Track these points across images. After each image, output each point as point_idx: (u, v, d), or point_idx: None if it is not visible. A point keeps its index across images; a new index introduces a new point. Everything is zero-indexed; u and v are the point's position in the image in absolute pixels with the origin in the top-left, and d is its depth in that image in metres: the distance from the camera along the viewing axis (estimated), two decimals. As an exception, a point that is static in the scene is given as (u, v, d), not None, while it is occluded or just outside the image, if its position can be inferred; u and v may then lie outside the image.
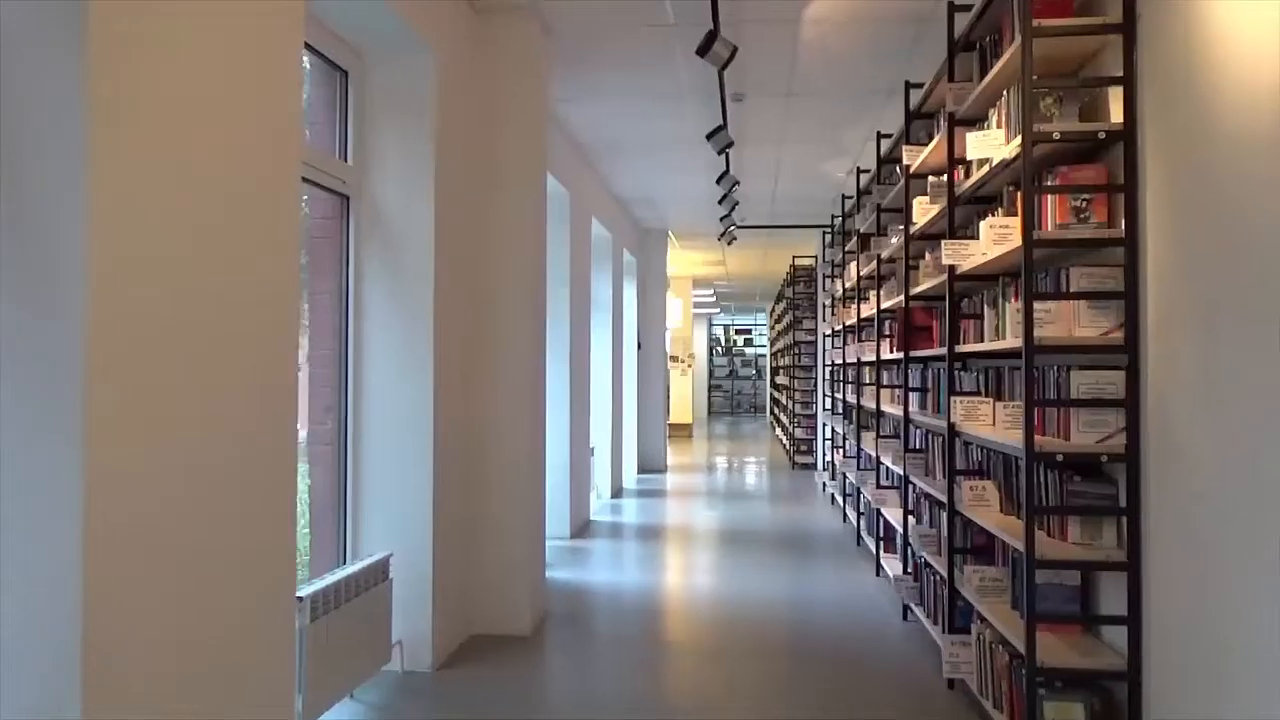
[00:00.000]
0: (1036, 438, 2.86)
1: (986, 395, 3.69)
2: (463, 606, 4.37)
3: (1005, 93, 3.20)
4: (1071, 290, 2.81)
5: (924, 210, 4.44)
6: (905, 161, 4.71)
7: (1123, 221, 2.76)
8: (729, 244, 9.72)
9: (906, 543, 4.89)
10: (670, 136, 6.91)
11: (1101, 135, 2.76)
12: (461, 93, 4.31)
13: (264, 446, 2.53)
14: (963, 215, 3.91)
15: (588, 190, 7.79)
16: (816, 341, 11.74)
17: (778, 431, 16.99)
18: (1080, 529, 2.86)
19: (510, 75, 4.57)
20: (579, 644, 4.49)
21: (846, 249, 7.70)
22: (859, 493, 6.79)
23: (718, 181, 6.89)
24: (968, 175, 3.84)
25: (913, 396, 4.95)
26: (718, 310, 25.07)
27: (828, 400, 9.76)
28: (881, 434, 5.79)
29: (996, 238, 3.15)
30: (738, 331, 27.13)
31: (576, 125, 6.65)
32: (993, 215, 3.38)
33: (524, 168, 4.60)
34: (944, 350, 4.17)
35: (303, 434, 4.02)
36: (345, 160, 3.89)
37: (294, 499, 2.72)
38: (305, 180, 3.63)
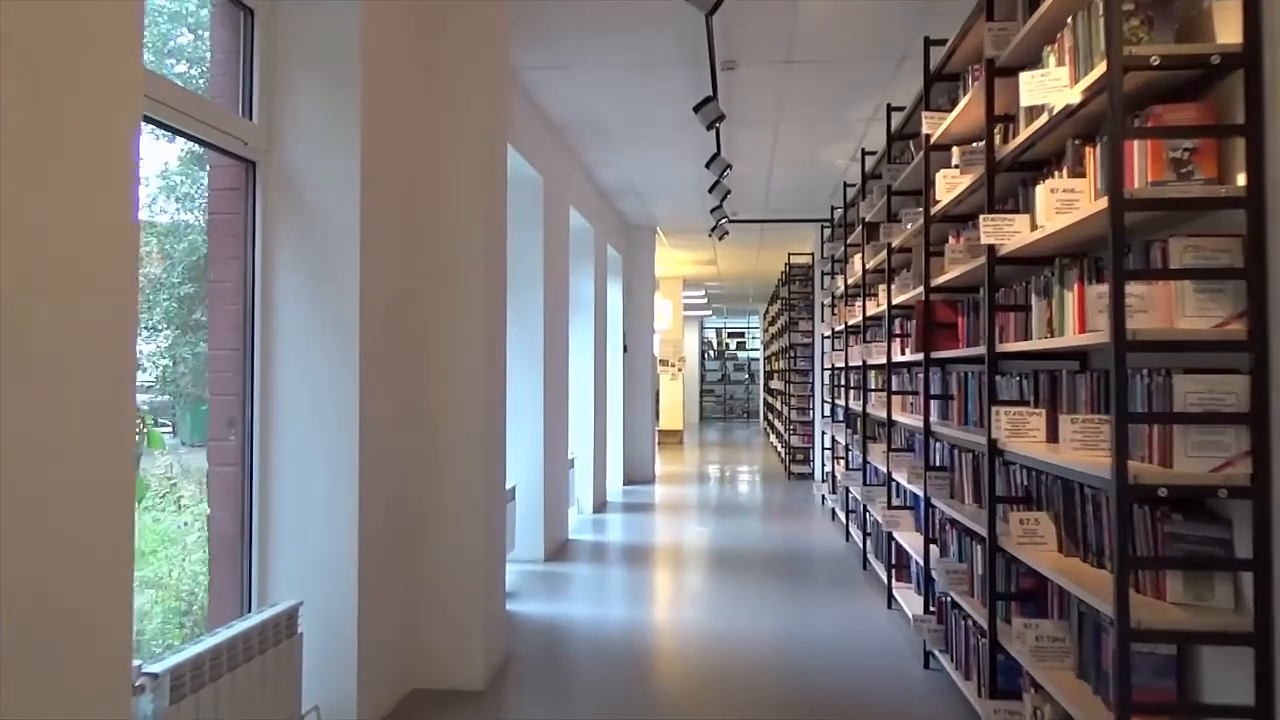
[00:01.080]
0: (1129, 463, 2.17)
1: (1036, 405, 3.00)
2: (398, 658, 3.65)
3: (1070, 20, 2.52)
4: (1171, 268, 2.13)
5: (949, 185, 3.75)
6: (925, 131, 4.03)
7: (1241, 175, 2.07)
8: (720, 239, 9.04)
9: (927, 576, 4.19)
10: (656, 117, 6.22)
11: (1215, 59, 2.08)
12: (397, 39, 3.61)
13: (84, 479, 1.83)
14: (1004, 185, 3.22)
15: (565, 177, 7.09)
16: (814, 344, 11.06)
17: (772, 438, 16.30)
18: (1183, 585, 2.17)
19: (461, 21, 3.87)
20: (541, 699, 3.78)
21: (849, 242, 7.03)
22: (865, 511, 6.10)
23: (708, 165, 6.20)
24: (1007, 138, 3.16)
25: (933, 405, 4.26)
26: (709, 313, 24.41)
27: (826, 407, 9.07)
28: (893, 447, 5.10)
29: (1060, 204, 2.47)
30: (730, 334, 26.47)
31: (550, 101, 5.96)
32: (1047, 180, 2.70)
33: (478, 135, 3.89)
34: (979, 350, 3.49)
35: (201, 454, 3.32)
36: (249, 118, 3.18)
37: (130, 546, 2.02)
38: (198, 141, 2.93)
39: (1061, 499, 2.78)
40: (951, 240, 3.87)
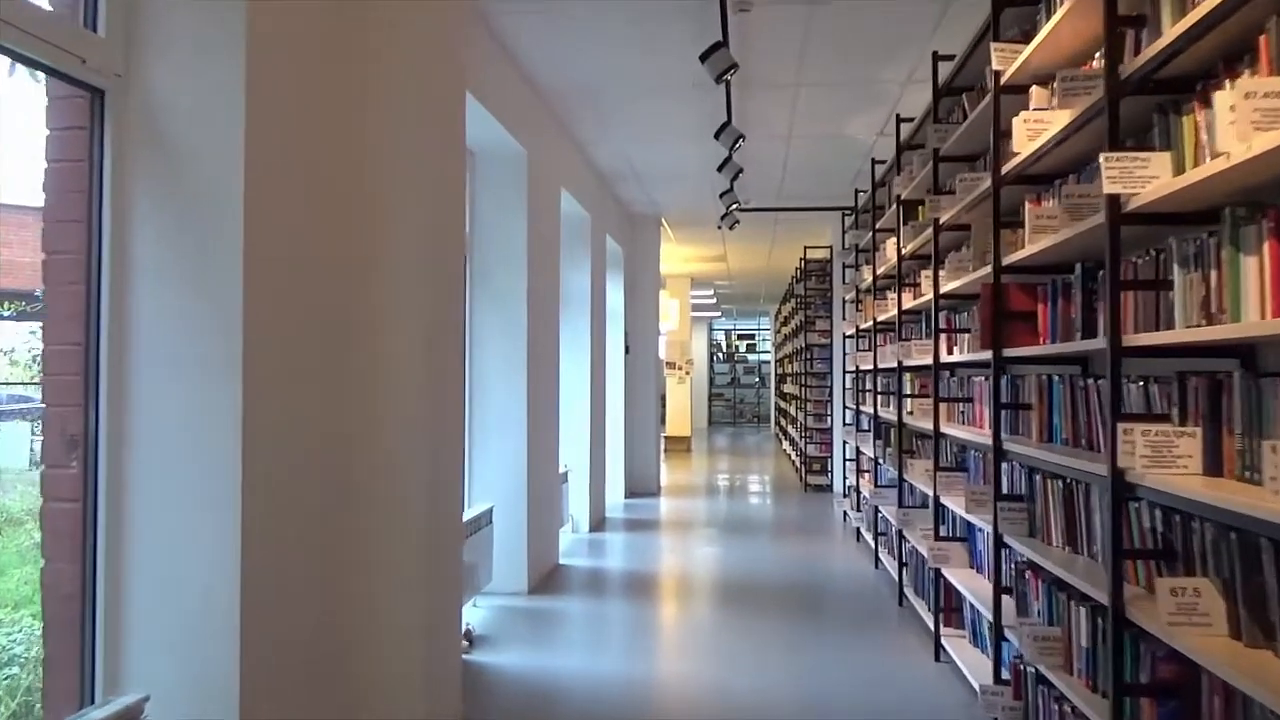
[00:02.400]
0: None
1: (1183, 421, 2.13)
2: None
3: None
4: None
5: (1031, 132, 2.89)
6: (996, 67, 3.17)
7: None
8: (731, 228, 8.19)
9: (997, 635, 3.31)
10: (655, 79, 5.37)
11: None
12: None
13: None
14: (1127, 117, 2.35)
15: (555, 153, 6.25)
16: (832, 345, 10.19)
17: (784, 445, 15.43)
18: None
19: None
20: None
21: (878, 226, 6.16)
22: (900, 536, 5.23)
23: (717, 135, 5.35)
24: (1138, 49, 2.29)
25: (986, 416, 3.39)
26: (718, 314, 23.55)
27: (849, 414, 8.20)
28: (941, 465, 4.24)
29: (1262, 116, 1.60)
30: (740, 336, 25.58)
31: (534, 62, 5.12)
32: (1236, 82, 1.83)
33: (423, 74, 3.04)
34: (1074, 345, 2.63)
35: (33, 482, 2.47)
36: (94, 29, 2.34)
37: None
38: (10, 54, 2.09)
39: (1238, 559, 1.91)
40: (1030, 205, 3.00)
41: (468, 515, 4.75)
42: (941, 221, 4.15)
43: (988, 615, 3.43)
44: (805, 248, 10.60)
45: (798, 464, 11.87)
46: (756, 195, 8.63)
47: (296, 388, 2.64)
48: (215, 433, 2.34)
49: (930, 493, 4.36)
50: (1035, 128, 2.89)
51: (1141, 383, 2.37)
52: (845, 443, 8.18)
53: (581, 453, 7.57)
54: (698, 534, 7.78)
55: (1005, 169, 3.17)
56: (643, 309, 10.15)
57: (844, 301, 8.30)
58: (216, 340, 2.36)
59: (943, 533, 4.24)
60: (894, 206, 5.40)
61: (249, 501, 2.36)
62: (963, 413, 4.24)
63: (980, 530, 3.90)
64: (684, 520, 8.43)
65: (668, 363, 16.44)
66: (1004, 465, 3.38)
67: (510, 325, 5.40)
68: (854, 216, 7.59)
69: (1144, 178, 2.11)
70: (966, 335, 4.14)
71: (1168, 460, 2.02)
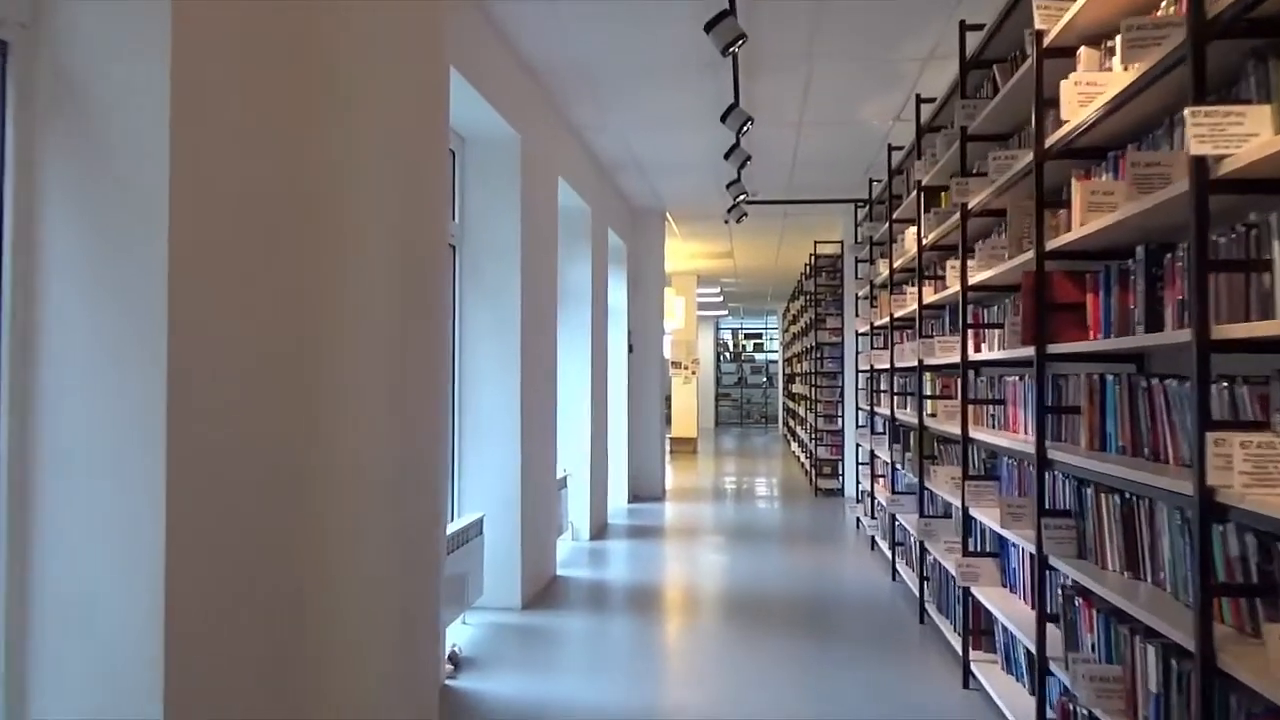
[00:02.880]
0: None
1: (1289, 430, 1.77)
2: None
3: None
4: None
5: (1086, 93, 2.52)
6: (1040, 26, 2.80)
7: None
8: (738, 221, 7.83)
9: (1040, 670, 2.94)
10: (659, 60, 5.02)
11: None
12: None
13: None
14: (1215, 66, 1.98)
15: (551, 140, 5.90)
16: (843, 343, 9.82)
17: (793, 446, 15.07)
18: None
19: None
20: None
21: (895, 217, 5.79)
22: (920, 547, 4.87)
23: (723, 119, 4.99)
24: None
25: (1022, 420, 3.03)
26: (724, 312, 23.19)
27: (862, 415, 7.84)
28: (970, 473, 3.87)
29: None
30: (747, 335, 25.21)
31: (527, 39, 4.76)
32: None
33: (398, 39, 2.69)
34: (1134, 341, 2.28)
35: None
36: (-9, -32, 2.00)
37: None
38: None
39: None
40: (1079, 181, 2.64)
41: (454, 526, 4.40)
42: (970, 207, 3.79)
43: (1026, 643, 3.06)
44: (815, 242, 10.23)
45: (807, 467, 11.50)
46: (765, 187, 8.28)
47: (233, 390, 2.29)
48: (135, 448, 2.00)
49: (957, 504, 4.00)
50: (1088, 91, 2.52)
51: (1226, 384, 2.01)
52: (858, 446, 7.82)
53: (581, 457, 7.22)
54: (704, 541, 7.42)
55: (1050, 141, 2.81)
56: (646, 307, 9.80)
57: (857, 298, 7.94)
58: (134, 346, 2.01)
59: (972, 547, 3.88)
60: (913, 194, 5.03)
61: (175, 519, 2.01)
62: (993, 416, 3.88)
63: (1014, 545, 3.54)
64: (690, 527, 8.07)
65: (673, 362, 16.09)
66: (1055, 481, 3.02)
67: (502, 323, 5.05)
68: (868, 208, 7.23)
69: (1239, 136, 1.75)
70: (997, 331, 3.78)
71: (1273, 477, 1.66)
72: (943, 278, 4.75)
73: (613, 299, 9.04)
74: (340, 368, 2.57)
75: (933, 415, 4.92)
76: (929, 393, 4.91)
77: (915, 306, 5.01)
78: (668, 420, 15.75)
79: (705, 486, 11.05)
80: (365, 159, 2.61)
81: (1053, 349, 2.83)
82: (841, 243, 9.88)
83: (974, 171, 3.89)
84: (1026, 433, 3.46)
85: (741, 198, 6.96)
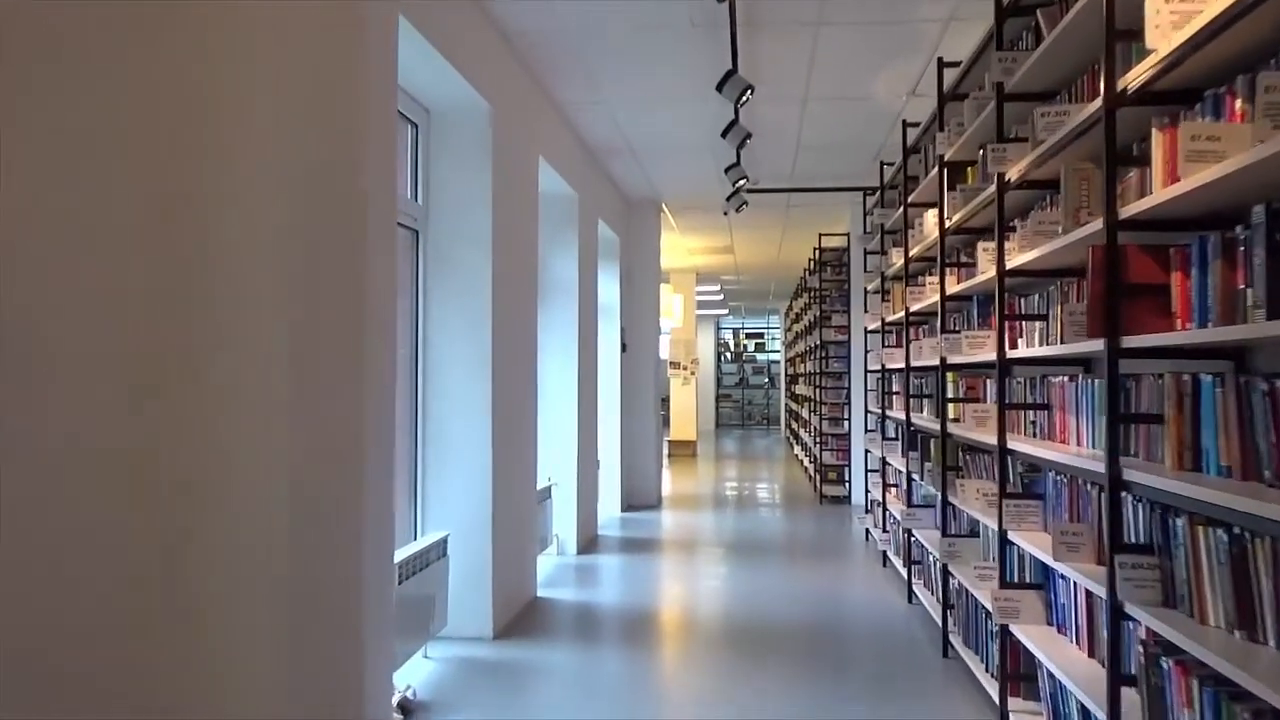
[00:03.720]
0: None
1: None
2: None
3: None
4: None
5: (1180, 13, 1.96)
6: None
7: None
8: (738, 210, 7.27)
9: (1113, 740, 2.37)
10: (649, 20, 4.46)
11: None
12: None
13: None
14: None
15: (531, 115, 5.34)
16: (850, 341, 9.26)
17: (796, 450, 14.50)
18: None
19: None
20: None
21: (911, 200, 5.23)
22: (945, 572, 4.31)
23: (720, 88, 4.43)
24: None
25: (1075, 428, 2.46)
26: (725, 311, 22.63)
27: (871, 419, 7.27)
28: (1010, 491, 3.31)
29: None
30: (748, 335, 24.64)
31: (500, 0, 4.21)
32: None
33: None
34: (1251, 331, 1.72)
35: None
36: None
37: None
38: None
39: None
40: (1162, 132, 2.08)
41: (410, 549, 3.84)
42: (1008, 178, 3.22)
43: (1089, 704, 2.49)
44: (820, 235, 9.67)
45: (811, 472, 10.94)
46: (767, 175, 7.72)
47: (75, 390, 1.73)
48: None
49: (989, 523, 3.43)
50: (1183, 9, 1.96)
51: None
52: (867, 452, 7.25)
53: (568, 464, 6.66)
54: (702, 556, 6.86)
55: (1127, 84, 2.24)
56: (641, 303, 9.24)
57: (865, 292, 7.38)
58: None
59: (1009, 575, 3.31)
60: (934, 171, 4.47)
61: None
62: (1034, 423, 3.32)
63: (1063, 577, 2.98)
64: (687, 539, 7.51)
65: (671, 362, 15.53)
66: (1132, 507, 2.45)
67: (472, 317, 4.49)
68: (879, 194, 6.66)
69: None
70: (1040, 323, 3.22)
71: None
72: (969, 264, 4.19)
73: (604, 295, 8.48)
74: (210, 368, 2.01)
75: (956, 420, 4.36)
76: (952, 395, 4.35)
77: (936, 298, 4.45)
78: (666, 422, 15.20)
79: (704, 493, 10.49)
80: (251, 95, 2.05)
81: (1129, 342, 2.27)
82: (848, 235, 9.32)
83: (1011, 137, 3.32)
84: (1079, 444, 2.90)
85: (741, 183, 6.39)
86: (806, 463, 12.04)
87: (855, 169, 7.44)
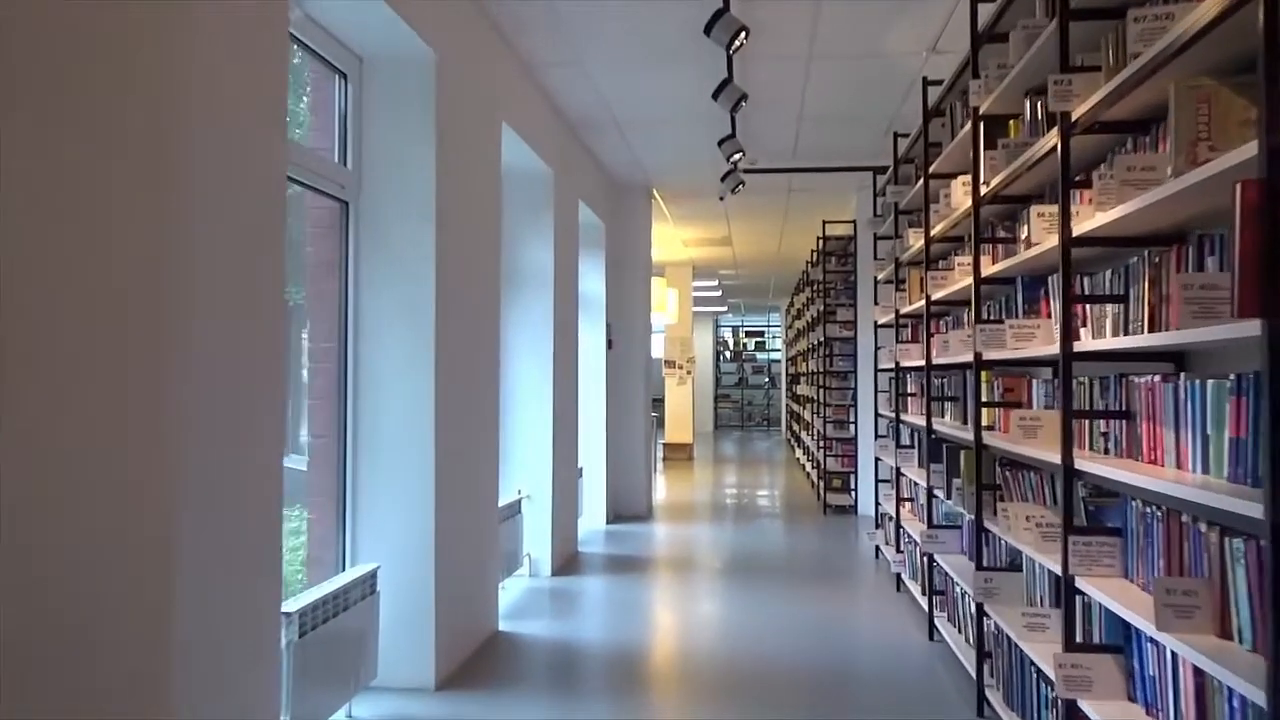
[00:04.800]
0: None
1: None
2: None
3: None
4: None
5: None
6: None
7: None
8: (734, 191, 6.54)
9: None
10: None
11: None
12: None
13: None
14: None
15: (490, 68, 4.59)
16: (856, 338, 8.52)
17: (797, 453, 13.77)
18: None
19: None
20: None
21: (933, 171, 4.49)
22: (979, 611, 3.57)
23: (708, 30, 3.70)
24: None
25: (1171, 444, 1.73)
26: (724, 309, 21.90)
27: (882, 424, 6.54)
28: (1079, 527, 2.57)
29: None
30: (748, 333, 23.90)
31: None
32: None
33: None
34: None
35: None
36: None
37: None
38: None
39: None
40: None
41: (323, 590, 3.10)
42: (1077, 117, 2.48)
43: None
44: (824, 223, 8.92)
45: (814, 478, 10.20)
46: (766, 154, 6.99)
47: None
48: None
49: (1049, 565, 2.70)
50: None
51: None
52: (877, 460, 6.51)
53: (541, 473, 5.92)
54: (694, 577, 6.12)
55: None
56: (630, 297, 8.49)
57: (876, 283, 6.64)
58: None
59: (1071, 631, 2.57)
60: (966, 129, 3.73)
61: None
62: (1105, 434, 2.58)
63: (1150, 640, 2.24)
64: (678, 556, 6.77)
65: (666, 361, 14.80)
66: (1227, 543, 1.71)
67: (412, 305, 3.75)
68: (892, 171, 5.92)
69: None
70: (1114, 307, 2.49)
71: None
72: (1009, 240, 3.46)
73: (588, 287, 7.76)
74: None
75: (990, 428, 3.63)
76: (990, 398, 3.61)
77: (966, 282, 3.72)
78: (660, 424, 14.47)
79: (699, 501, 9.74)
80: None
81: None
82: (854, 222, 8.58)
83: (1077, 66, 2.58)
84: (1180, 466, 2.16)
85: (737, 158, 5.66)
86: (809, 468, 11.30)
87: (864, 145, 6.70)
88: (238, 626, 2.31)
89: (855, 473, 8.56)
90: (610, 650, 4.46)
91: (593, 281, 7.83)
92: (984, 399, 3.58)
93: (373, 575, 3.47)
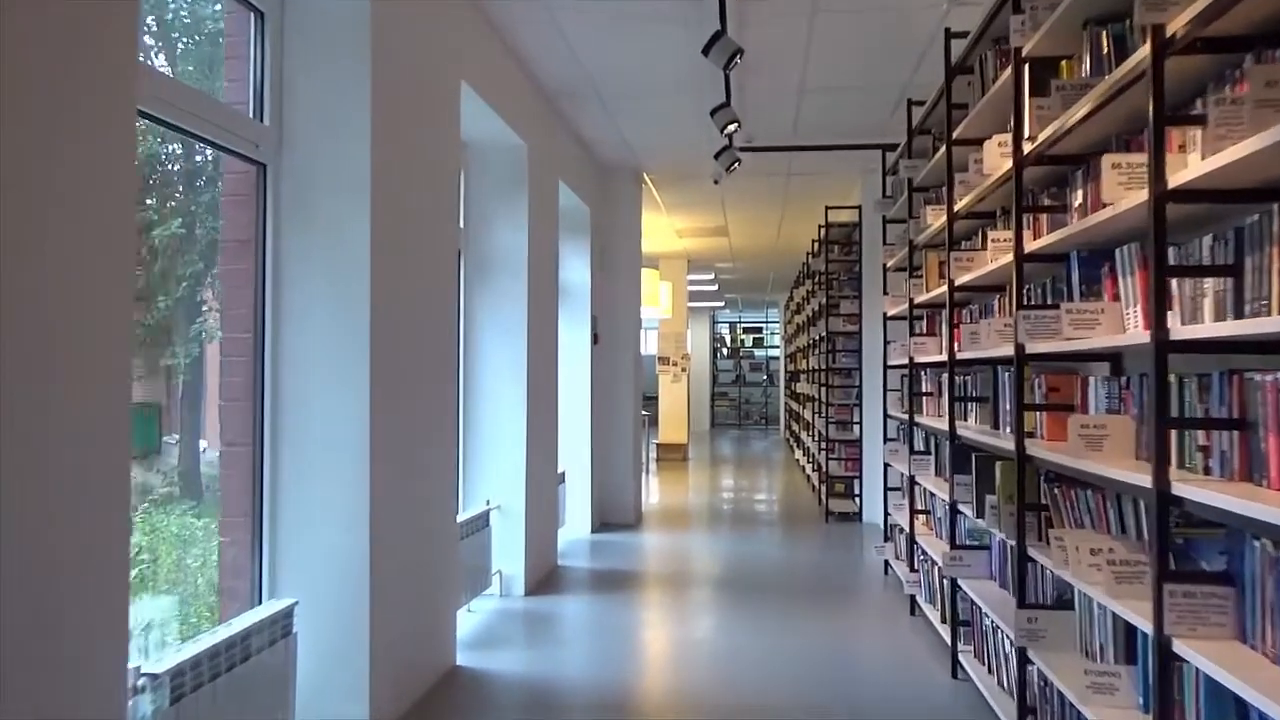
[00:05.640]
0: None
1: None
2: None
3: None
4: None
5: None
6: None
7: None
8: (728, 170, 5.94)
9: None
10: None
11: None
12: None
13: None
14: None
15: (443, 16, 3.98)
16: (861, 332, 7.92)
17: (797, 454, 13.18)
18: None
19: None
20: None
21: (958, 136, 3.88)
22: (1024, 660, 2.97)
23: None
24: None
25: None
26: (721, 304, 21.30)
27: (892, 425, 5.94)
28: (1177, 572, 1.96)
29: None
30: (746, 330, 23.30)
31: None
32: None
33: None
34: None
35: None
36: None
37: None
38: None
39: None
40: None
41: (204, 644, 2.49)
42: (1176, 34, 1.88)
43: None
44: (826, 209, 8.31)
45: (815, 482, 9.61)
46: (764, 131, 6.39)
47: None
48: None
49: (1136, 621, 2.09)
50: None
51: None
52: (887, 466, 5.91)
53: (514, 481, 5.32)
54: (685, 597, 5.53)
55: None
56: (619, 289, 7.89)
57: (885, 271, 6.03)
58: None
59: (1165, 708, 1.97)
60: (1004, 77, 3.12)
61: None
62: (1206, 450, 1.98)
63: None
64: (668, 571, 6.17)
65: (660, 358, 14.20)
66: None
67: (342, 289, 3.15)
68: (906, 144, 5.30)
69: None
70: (1214, 285, 1.89)
71: None
72: (1057, 208, 2.86)
73: (571, 277, 7.16)
74: None
75: (1031, 435, 3.04)
76: (1040, 398, 3.02)
77: (1005, 260, 3.12)
78: (654, 422, 13.87)
79: (693, 506, 9.14)
80: None
81: None
82: (859, 209, 7.98)
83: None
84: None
85: (732, 129, 5.05)
86: (809, 470, 10.71)
87: (872, 121, 6.10)
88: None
89: (860, 477, 7.96)
90: (584, 688, 3.86)
91: (577, 271, 7.23)
92: (1029, 401, 2.98)
93: (288, 614, 2.87)
